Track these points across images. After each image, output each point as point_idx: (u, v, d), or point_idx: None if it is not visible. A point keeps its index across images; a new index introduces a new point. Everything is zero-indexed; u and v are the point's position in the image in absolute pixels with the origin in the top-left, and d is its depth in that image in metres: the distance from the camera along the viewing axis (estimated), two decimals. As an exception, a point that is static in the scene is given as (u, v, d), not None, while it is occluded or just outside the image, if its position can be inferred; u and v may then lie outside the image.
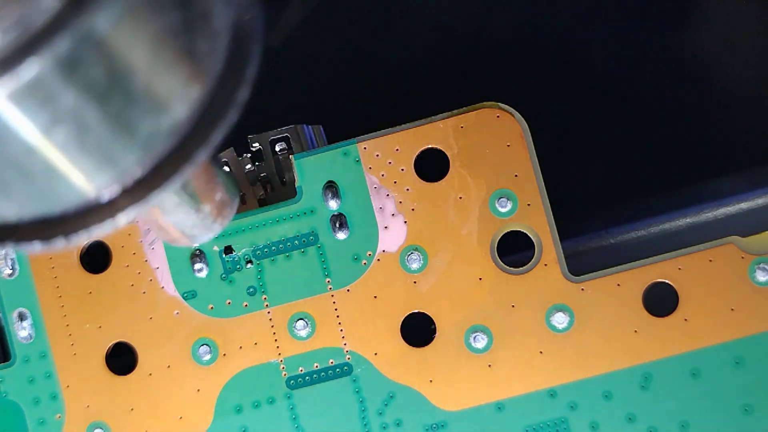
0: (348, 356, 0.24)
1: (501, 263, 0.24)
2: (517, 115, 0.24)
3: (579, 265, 0.24)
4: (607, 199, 0.28)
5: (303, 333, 0.24)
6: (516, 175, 0.24)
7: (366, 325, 0.24)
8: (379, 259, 0.24)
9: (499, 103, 0.24)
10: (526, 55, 0.29)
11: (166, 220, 0.18)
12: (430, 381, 0.24)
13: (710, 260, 0.23)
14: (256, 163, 0.25)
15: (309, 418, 0.24)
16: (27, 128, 0.12)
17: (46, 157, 0.12)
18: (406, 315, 0.24)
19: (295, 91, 0.30)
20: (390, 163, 0.24)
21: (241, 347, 0.24)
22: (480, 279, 0.24)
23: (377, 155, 0.24)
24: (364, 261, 0.24)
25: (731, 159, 0.28)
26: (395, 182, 0.24)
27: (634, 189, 0.28)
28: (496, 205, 0.24)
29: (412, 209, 0.24)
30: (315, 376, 0.24)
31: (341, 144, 0.24)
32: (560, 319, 0.23)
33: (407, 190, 0.24)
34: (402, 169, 0.24)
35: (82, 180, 0.13)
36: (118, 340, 0.24)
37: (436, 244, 0.24)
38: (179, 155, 0.14)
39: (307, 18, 0.30)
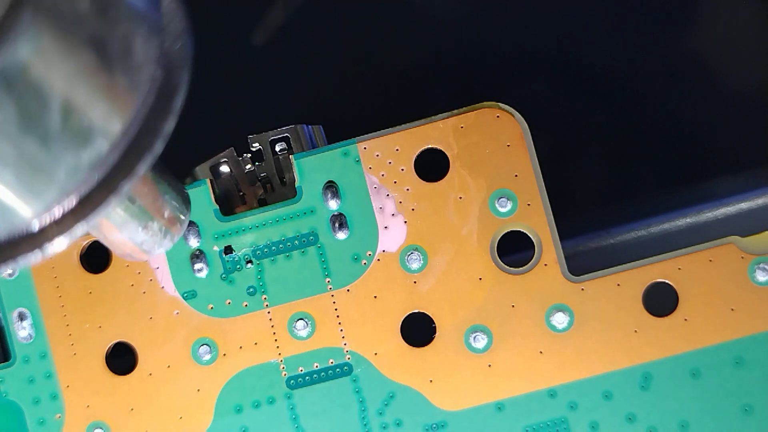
0: (348, 356, 0.24)
1: (501, 263, 0.24)
2: (517, 115, 0.24)
3: (579, 265, 0.24)
4: (607, 199, 0.28)
5: (303, 333, 0.24)
6: (516, 175, 0.24)
7: (366, 325, 0.24)
8: (379, 259, 0.24)
9: (499, 103, 0.24)
10: (526, 55, 0.29)
11: (115, 237, 0.18)
12: (430, 381, 0.24)
13: (710, 260, 0.23)
14: (256, 163, 0.25)
15: (309, 418, 0.24)
16: None
17: None
18: (406, 315, 0.24)
19: (295, 91, 0.30)
20: (390, 163, 0.24)
21: (241, 347, 0.24)
22: (480, 279, 0.24)
23: (377, 155, 0.24)
24: (364, 261, 0.24)
25: (731, 159, 0.28)
26: (395, 182, 0.24)
27: (634, 189, 0.28)
28: (496, 205, 0.24)
29: (412, 209, 0.24)
30: (315, 376, 0.24)
31: (341, 144, 0.24)
32: (560, 319, 0.23)
33: (407, 190, 0.24)
34: (402, 169, 0.24)
35: (11, 210, 0.13)
36: (118, 340, 0.24)
37: (436, 244, 0.24)
38: (105, 186, 0.14)
39: (307, 17, 0.30)
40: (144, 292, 0.24)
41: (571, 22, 0.29)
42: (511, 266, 0.24)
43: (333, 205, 0.24)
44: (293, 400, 0.24)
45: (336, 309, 0.24)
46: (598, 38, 0.29)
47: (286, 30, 0.30)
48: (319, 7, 0.30)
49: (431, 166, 0.24)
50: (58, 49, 0.12)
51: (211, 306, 0.24)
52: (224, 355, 0.24)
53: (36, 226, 0.14)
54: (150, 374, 0.24)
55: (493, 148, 0.24)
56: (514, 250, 0.24)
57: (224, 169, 0.25)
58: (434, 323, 0.24)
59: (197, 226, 0.24)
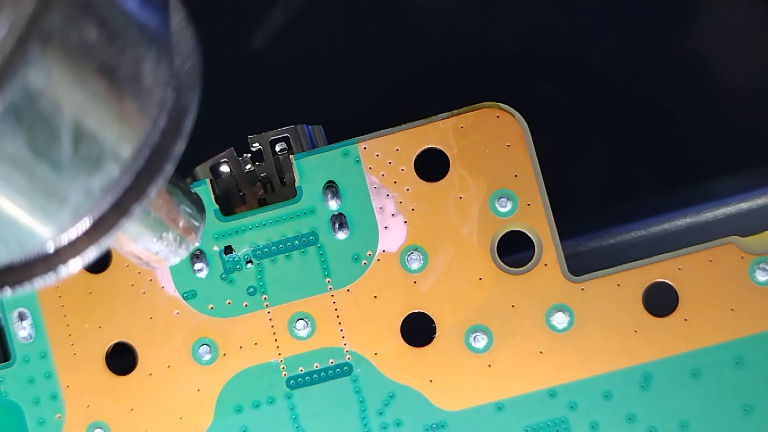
0: (348, 356, 0.24)
1: (501, 263, 0.24)
2: (517, 115, 0.24)
3: (579, 265, 0.24)
4: (607, 199, 0.28)
5: (303, 333, 0.24)
6: (516, 175, 0.24)
7: (366, 325, 0.24)
8: (379, 259, 0.24)
9: (499, 103, 0.24)
10: (526, 55, 0.29)
11: (130, 248, 0.18)
12: (430, 381, 0.24)
13: (710, 260, 0.23)
14: (256, 163, 0.25)
15: (309, 418, 0.24)
16: None
17: None
18: (406, 315, 0.24)
19: (295, 91, 0.30)
20: (390, 163, 0.24)
21: (241, 347, 0.24)
22: (480, 279, 0.24)
23: (377, 155, 0.24)
24: (364, 261, 0.24)
25: (731, 159, 0.28)
26: (395, 182, 0.24)
27: (634, 189, 0.28)
28: (496, 205, 0.24)
29: (412, 209, 0.24)
30: (315, 376, 0.24)
31: (341, 144, 0.24)
32: (560, 319, 0.23)
33: (407, 190, 0.24)
34: (402, 169, 0.24)
35: (26, 234, 0.14)
36: (118, 340, 0.24)
37: (436, 244, 0.24)
38: (117, 209, 0.14)
39: (307, 18, 0.30)
40: (144, 292, 0.24)
41: (571, 22, 0.29)
42: (511, 266, 0.24)
43: (333, 205, 0.24)
44: (293, 400, 0.24)
45: (336, 309, 0.24)
46: (598, 38, 0.29)
47: (286, 30, 0.30)
48: (319, 7, 0.30)
49: (431, 166, 0.24)
50: (68, 80, 0.12)
51: (211, 306, 0.24)
52: (224, 355, 0.24)
53: (51, 249, 0.15)
54: (150, 374, 0.24)
55: (493, 148, 0.24)
56: (514, 250, 0.24)
57: (224, 169, 0.25)
58: (434, 323, 0.24)
59: (197, 226, 0.24)
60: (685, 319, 0.23)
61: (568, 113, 0.28)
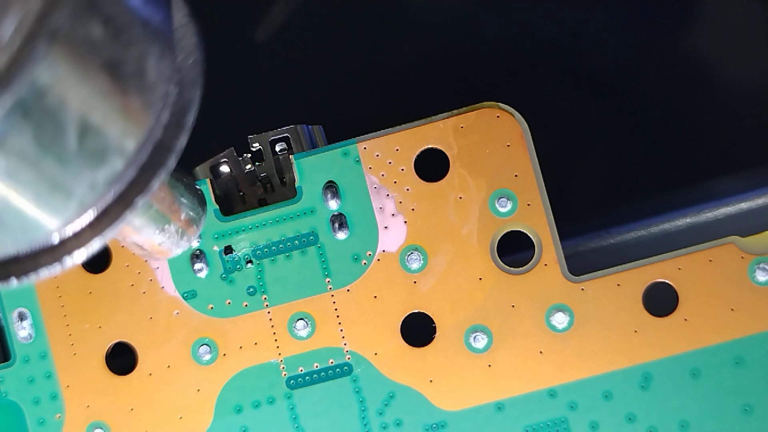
0: (348, 356, 0.24)
1: (501, 263, 0.24)
2: (517, 115, 0.24)
3: (579, 265, 0.24)
4: (607, 199, 0.28)
5: (303, 333, 0.24)
6: (516, 175, 0.24)
7: (366, 325, 0.24)
8: (379, 259, 0.24)
9: (499, 103, 0.24)
10: (526, 55, 0.29)
11: (133, 239, 0.19)
12: (430, 381, 0.24)
13: (710, 260, 0.23)
14: (256, 163, 0.25)
15: (309, 418, 0.24)
16: None
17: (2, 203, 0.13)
18: (406, 315, 0.24)
19: (295, 91, 0.30)
20: (390, 163, 0.24)
21: (241, 347, 0.24)
22: (480, 279, 0.24)
23: (377, 155, 0.24)
24: (364, 261, 0.24)
25: (731, 159, 0.28)
26: (395, 182, 0.24)
27: (634, 189, 0.28)
28: (496, 205, 0.24)
29: (412, 209, 0.24)
30: (315, 376, 0.24)
31: (341, 144, 0.24)
32: (560, 319, 0.23)
33: (407, 190, 0.24)
34: (402, 169, 0.24)
35: (32, 225, 0.14)
36: (118, 340, 0.24)
37: (436, 244, 0.24)
38: (121, 201, 0.15)
39: (307, 18, 0.30)
40: (144, 292, 0.24)
41: (571, 23, 0.29)
42: (511, 266, 0.24)
43: (333, 205, 0.24)
44: (293, 400, 0.24)
45: (336, 309, 0.24)
46: (599, 38, 0.29)
47: (286, 31, 0.30)
48: (319, 7, 0.30)
49: (431, 166, 0.24)
50: (74, 76, 0.13)
51: (211, 306, 0.24)
52: (224, 355, 0.24)
53: (56, 240, 0.15)
54: (150, 374, 0.24)
55: (493, 148, 0.24)
56: (514, 250, 0.24)
57: (224, 169, 0.25)
58: (434, 323, 0.24)
59: (197, 226, 0.24)
60: (685, 319, 0.23)
61: (568, 113, 0.28)
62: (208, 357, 0.24)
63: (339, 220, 0.24)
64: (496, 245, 0.24)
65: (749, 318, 0.23)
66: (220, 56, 0.29)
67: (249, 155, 0.25)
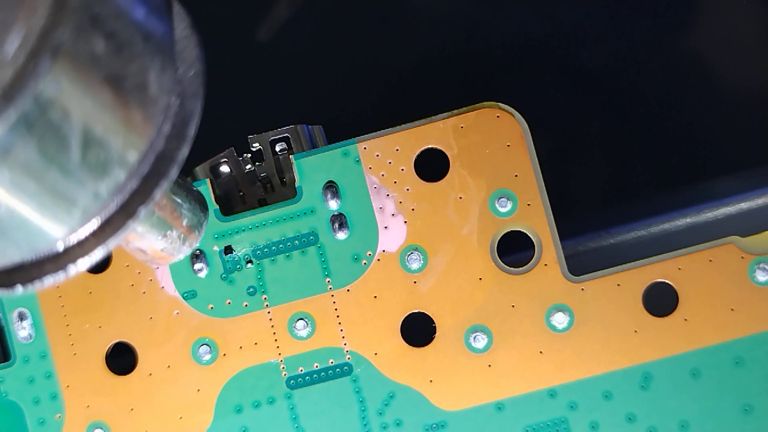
0: (348, 356, 0.24)
1: (501, 263, 0.24)
2: (517, 115, 0.24)
3: (579, 265, 0.24)
4: (607, 199, 0.28)
5: (303, 333, 0.24)
6: (516, 175, 0.24)
7: (366, 325, 0.24)
8: (379, 259, 0.24)
9: (499, 103, 0.24)
10: (526, 55, 0.29)
11: (136, 245, 0.19)
12: (430, 381, 0.24)
13: (710, 260, 0.23)
14: (256, 163, 0.25)
15: (309, 418, 0.24)
16: None
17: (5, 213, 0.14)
18: (406, 315, 0.24)
19: (295, 91, 0.30)
20: (390, 163, 0.24)
21: (241, 347, 0.24)
22: (480, 279, 0.24)
23: (377, 155, 0.24)
24: (364, 261, 0.24)
25: (731, 159, 0.28)
26: (395, 182, 0.24)
27: (634, 189, 0.28)
28: (496, 205, 0.24)
29: (412, 209, 0.24)
30: (315, 376, 0.24)
31: (341, 144, 0.24)
32: (560, 319, 0.23)
33: (407, 190, 0.24)
34: (402, 169, 0.24)
35: (36, 234, 0.14)
36: (118, 340, 0.24)
37: (436, 244, 0.24)
38: (123, 211, 0.15)
39: (307, 18, 0.30)
40: (144, 292, 0.24)
41: (571, 22, 0.29)
42: (511, 266, 0.24)
43: (333, 205, 0.24)
44: (293, 400, 0.24)
45: (336, 309, 0.24)
46: (599, 38, 0.29)
47: (286, 31, 0.30)
48: (318, 7, 0.30)
49: (431, 166, 0.24)
50: (77, 90, 0.13)
51: (211, 306, 0.24)
52: (224, 355, 0.24)
53: (60, 248, 0.15)
54: (150, 374, 0.24)
55: (493, 148, 0.24)
56: (514, 250, 0.24)
57: (224, 169, 0.25)
58: (434, 323, 0.24)
59: (197, 226, 0.24)
60: (685, 319, 0.23)
61: (568, 113, 0.28)
62: (208, 357, 0.24)
63: (339, 220, 0.24)
64: (496, 245, 0.24)
65: (749, 318, 0.23)
66: (220, 56, 0.29)
67: (249, 155, 0.25)
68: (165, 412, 0.24)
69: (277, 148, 0.25)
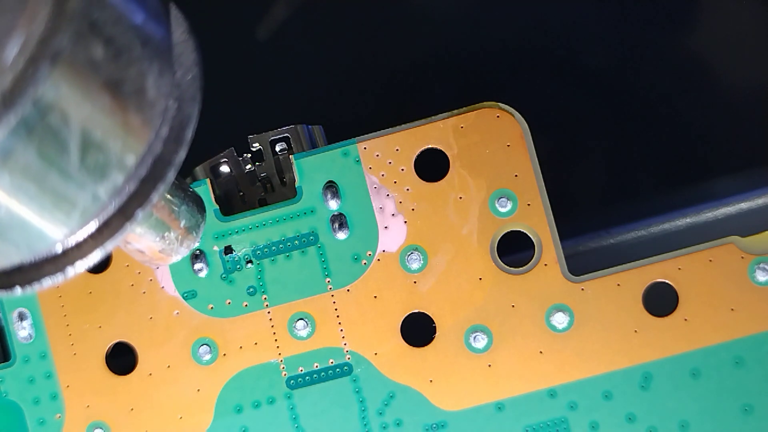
0: (348, 356, 0.24)
1: (501, 263, 0.24)
2: (517, 115, 0.24)
3: (579, 265, 0.24)
4: (607, 199, 0.28)
5: (303, 333, 0.24)
6: (516, 175, 0.24)
7: (366, 325, 0.24)
8: (379, 259, 0.24)
9: (499, 103, 0.24)
10: (526, 55, 0.29)
11: (134, 246, 0.20)
12: (430, 381, 0.24)
13: (710, 260, 0.23)
14: (256, 163, 0.25)
15: (309, 418, 0.24)
16: None
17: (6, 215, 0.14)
18: (406, 315, 0.24)
19: (295, 91, 0.30)
20: (390, 163, 0.24)
21: (241, 347, 0.24)
22: (480, 279, 0.24)
23: (377, 155, 0.24)
24: (364, 261, 0.24)
25: (731, 159, 0.28)
26: (395, 182, 0.24)
27: (634, 189, 0.28)
28: (496, 205, 0.24)
29: (412, 209, 0.24)
30: (315, 376, 0.24)
31: (341, 144, 0.24)
32: (560, 319, 0.23)
33: (407, 190, 0.24)
34: (402, 169, 0.24)
35: (35, 236, 0.15)
36: (118, 340, 0.24)
37: (436, 244, 0.24)
38: (121, 214, 0.15)
39: (307, 17, 0.30)
40: (144, 292, 0.24)
41: (571, 22, 0.29)
42: (511, 266, 0.24)
43: (333, 205, 0.24)
44: (293, 400, 0.24)
45: (336, 309, 0.24)
46: (599, 38, 0.29)
47: (286, 31, 0.30)
48: (318, 7, 0.30)
49: (431, 166, 0.24)
50: (76, 95, 0.13)
51: (211, 306, 0.24)
52: (224, 355, 0.24)
53: (59, 250, 0.15)
54: (150, 374, 0.24)
55: (493, 148, 0.24)
56: (514, 250, 0.24)
57: (224, 169, 0.25)
58: (434, 323, 0.24)
59: (197, 226, 0.24)
60: (685, 319, 0.23)
61: (568, 113, 0.28)
62: (208, 357, 0.24)
63: (339, 220, 0.24)
64: (496, 245, 0.24)
65: (749, 318, 0.23)
66: (220, 56, 0.29)
67: (249, 155, 0.25)
68: (165, 412, 0.24)
69: (277, 148, 0.25)
